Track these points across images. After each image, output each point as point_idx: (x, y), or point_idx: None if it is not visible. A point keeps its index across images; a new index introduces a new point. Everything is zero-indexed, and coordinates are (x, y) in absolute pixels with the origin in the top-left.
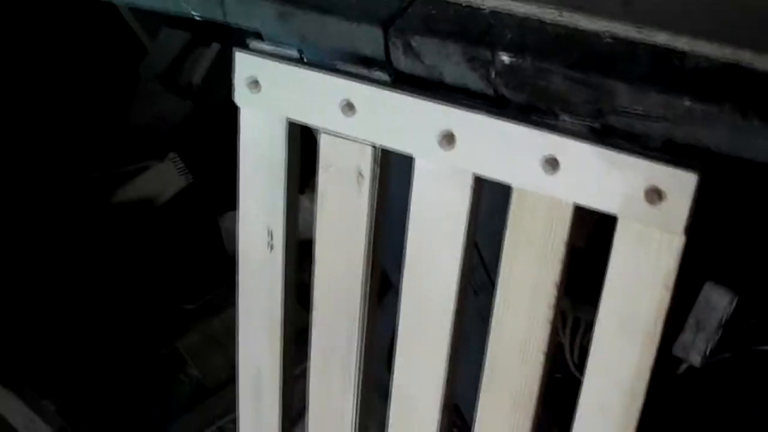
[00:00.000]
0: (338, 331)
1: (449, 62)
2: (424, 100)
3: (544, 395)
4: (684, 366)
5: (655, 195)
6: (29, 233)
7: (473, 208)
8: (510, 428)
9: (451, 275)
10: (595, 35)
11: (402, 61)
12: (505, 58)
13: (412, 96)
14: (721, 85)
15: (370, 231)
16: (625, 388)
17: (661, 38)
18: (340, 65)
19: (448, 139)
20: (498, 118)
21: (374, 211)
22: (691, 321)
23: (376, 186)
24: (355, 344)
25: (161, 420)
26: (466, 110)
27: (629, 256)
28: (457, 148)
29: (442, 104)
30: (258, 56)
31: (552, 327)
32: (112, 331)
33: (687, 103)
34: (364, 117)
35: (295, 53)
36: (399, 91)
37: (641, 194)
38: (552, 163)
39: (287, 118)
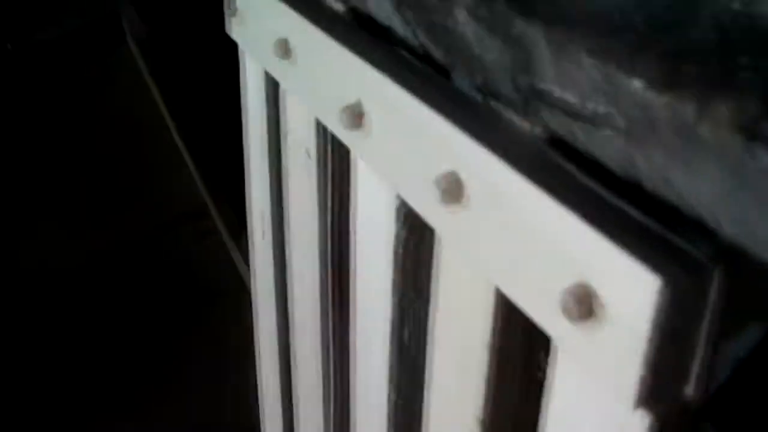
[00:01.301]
0: (308, 347)
1: None
2: (347, 51)
3: None
4: None
5: (577, 304)
6: None
7: (401, 238)
8: None
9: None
10: None
11: None
12: None
13: (339, 44)
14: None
15: (321, 233)
16: None
17: None
18: None
19: (356, 116)
20: (405, 92)
21: (325, 210)
22: None
23: (328, 175)
24: (320, 370)
25: None
26: (376, 73)
27: (561, 423)
28: (365, 133)
29: (352, 56)
30: None
31: None
32: None
33: (636, 83)
34: (300, 67)
35: None
36: (329, 33)
37: (560, 295)
38: (450, 190)
39: (258, 61)
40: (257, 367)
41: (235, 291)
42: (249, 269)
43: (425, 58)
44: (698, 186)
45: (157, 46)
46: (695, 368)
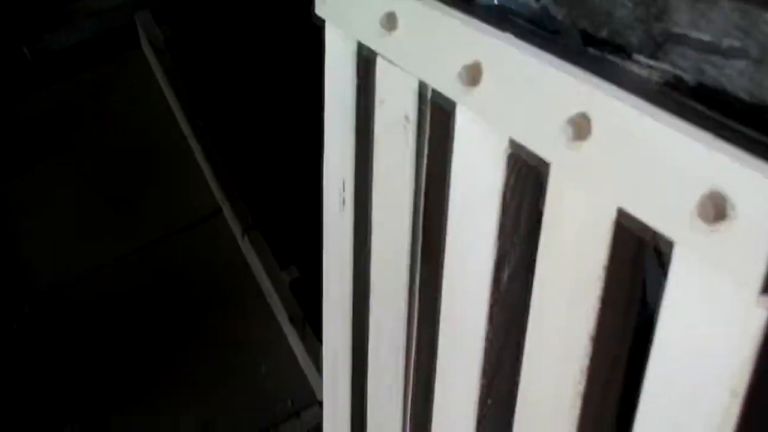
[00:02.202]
0: (389, 306)
1: None
2: (456, 17)
3: None
4: None
5: (711, 208)
6: None
7: (509, 183)
8: None
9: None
10: None
11: None
12: None
13: (447, 13)
14: None
15: (415, 194)
16: None
17: None
18: None
19: (473, 75)
20: (524, 50)
21: (420, 171)
22: None
23: (425, 137)
24: (403, 324)
25: None
26: (492, 35)
27: (677, 318)
28: (481, 89)
29: (469, 25)
30: None
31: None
32: None
33: None
34: (405, 37)
35: None
36: (439, 5)
37: (692, 204)
38: (579, 129)
39: (352, 36)
40: (324, 328)
41: (247, 293)
42: (263, 270)
43: (533, 21)
44: None
45: (174, 52)
46: None
